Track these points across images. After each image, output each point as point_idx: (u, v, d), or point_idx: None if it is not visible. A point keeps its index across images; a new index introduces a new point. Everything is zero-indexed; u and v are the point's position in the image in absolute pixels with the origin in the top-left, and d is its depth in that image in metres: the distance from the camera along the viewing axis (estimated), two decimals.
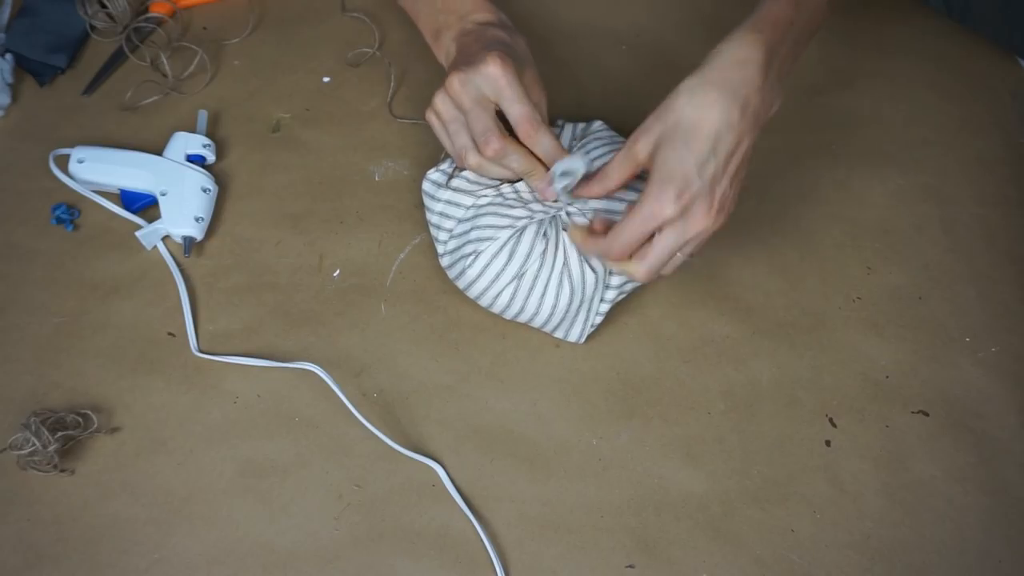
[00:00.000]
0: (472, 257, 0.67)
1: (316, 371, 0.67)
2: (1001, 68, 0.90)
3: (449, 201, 0.70)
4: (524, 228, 0.67)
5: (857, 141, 0.84)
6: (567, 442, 0.67)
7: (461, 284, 0.69)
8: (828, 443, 0.68)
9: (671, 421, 0.68)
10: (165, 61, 0.81)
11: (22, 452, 0.62)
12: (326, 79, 0.84)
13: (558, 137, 0.68)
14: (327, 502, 0.64)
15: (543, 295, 0.67)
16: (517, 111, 0.63)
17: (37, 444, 0.62)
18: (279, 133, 0.81)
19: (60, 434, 0.63)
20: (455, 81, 0.64)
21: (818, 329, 0.73)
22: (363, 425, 0.65)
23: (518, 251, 0.67)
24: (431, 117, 0.67)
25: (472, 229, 0.68)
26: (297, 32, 0.87)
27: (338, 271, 0.74)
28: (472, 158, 0.65)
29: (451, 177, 0.70)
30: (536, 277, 0.67)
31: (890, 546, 0.64)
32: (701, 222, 0.60)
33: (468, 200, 0.69)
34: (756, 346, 0.72)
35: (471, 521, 0.63)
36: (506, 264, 0.67)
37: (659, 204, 0.59)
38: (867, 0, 0.94)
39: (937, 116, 0.86)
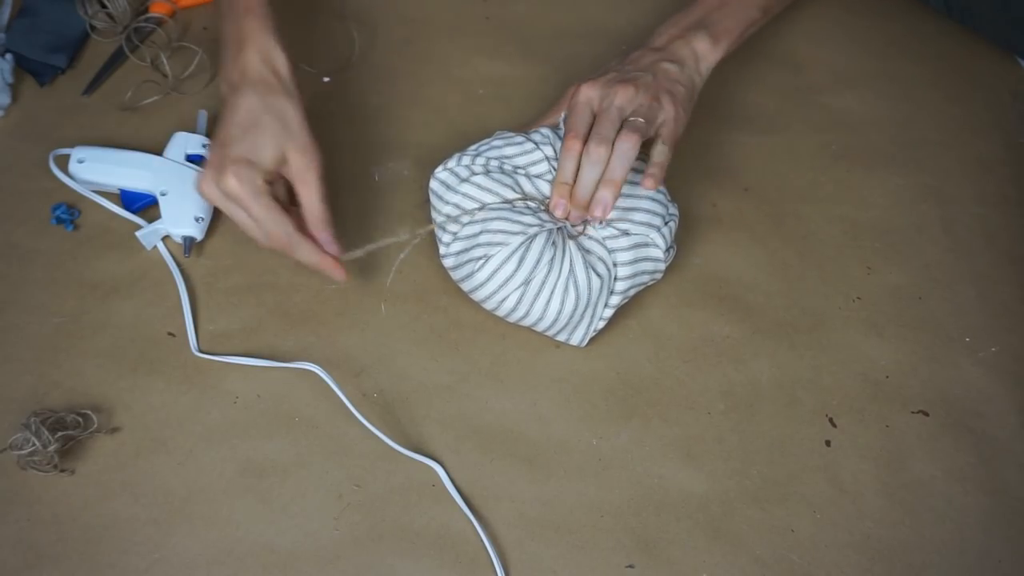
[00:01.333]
0: (482, 261, 0.67)
1: (316, 371, 0.67)
2: (1001, 68, 0.90)
3: (457, 205, 0.69)
4: (535, 236, 0.67)
5: (857, 141, 0.84)
6: (567, 442, 0.67)
7: (467, 286, 0.69)
8: (828, 443, 0.68)
9: (671, 421, 0.68)
10: (165, 61, 0.81)
11: (22, 452, 0.62)
12: (326, 79, 0.84)
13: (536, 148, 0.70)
14: (327, 502, 0.64)
15: (548, 301, 0.67)
16: (267, 226, 0.65)
17: (37, 444, 0.62)
18: None
19: (60, 434, 0.63)
20: (230, 179, 0.64)
21: (818, 329, 0.73)
22: (363, 425, 0.65)
23: (528, 258, 0.66)
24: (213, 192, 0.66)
25: (482, 232, 0.67)
26: (297, 32, 0.87)
27: None
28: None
29: (464, 180, 0.70)
30: (543, 283, 0.67)
31: (890, 546, 0.64)
32: (625, 89, 0.67)
33: (482, 199, 0.69)
34: (756, 346, 0.72)
35: (471, 521, 0.63)
36: (515, 270, 0.66)
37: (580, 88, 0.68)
38: (867, 0, 0.94)
39: (937, 116, 0.86)
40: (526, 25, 0.90)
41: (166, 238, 0.74)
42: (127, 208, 0.74)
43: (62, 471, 0.64)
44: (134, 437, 0.66)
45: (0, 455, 0.64)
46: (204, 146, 0.76)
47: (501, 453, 0.67)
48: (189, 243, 0.73)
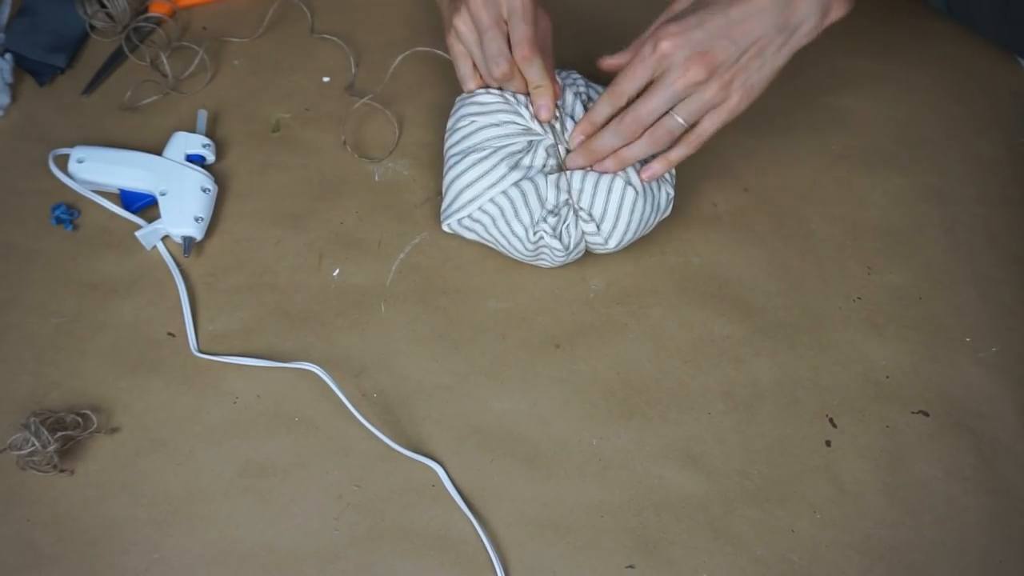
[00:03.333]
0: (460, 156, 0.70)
1: (316, 371, 0.67)
2: (1001, 68, 0.90)
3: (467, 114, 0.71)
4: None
5: (857, 141, 0.84)
6: (567, 442, 0.67)
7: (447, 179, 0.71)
8: (828, 443, 0.68)
9: (671, 421, 0.68)
10: (165, 61, 0.81)
11: (22, 452, 0.62)
12: (326, 79, 0.84)
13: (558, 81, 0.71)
14: (327, 502, 0.64)
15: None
16: (520, 31, 0.66)
17: (37, 444, 0.62)
18: (279, 133, 0.81)
19: (60, 434, 0.63)
20: (478, 1, 0.66)
21: (818, 329, 0.73)
22: (363, 425, 0.65)
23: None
24: (451, 38, 0.70)
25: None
26: (297, 32, 0.87)
27: (338, 271, 0.74)
28: (470, 84, 0.70)
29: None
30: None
31: (890, 546, 0.64)
32: (698, 71, 0.62)
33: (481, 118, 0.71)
34: (756, 346, 0.72)
35: (471, 521, 0.63)
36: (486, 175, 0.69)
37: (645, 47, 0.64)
38: (867, 0, 0.93)
39: (937, 116, 0.86)
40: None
41: (166, 238, 0.74)
42: (127, 208, 0.74)
43: (62, 471, 0.64)
44: (134, 437, 0.66)
45: (0, 455, 0.64)
46: (204, 146, 0.76)
47: (501, 453, 0.66)
48: (189, 243, 0.72)
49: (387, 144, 0.80)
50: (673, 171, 0.71)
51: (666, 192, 0.71)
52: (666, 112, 0.65)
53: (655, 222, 0.71)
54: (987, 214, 0.80)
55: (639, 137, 0.66)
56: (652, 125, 0.66)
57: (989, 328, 0.74)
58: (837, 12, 0.66)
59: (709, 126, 0.66)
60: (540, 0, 0.69)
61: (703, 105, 0.65)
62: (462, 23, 0.68)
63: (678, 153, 0.68)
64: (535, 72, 0.68)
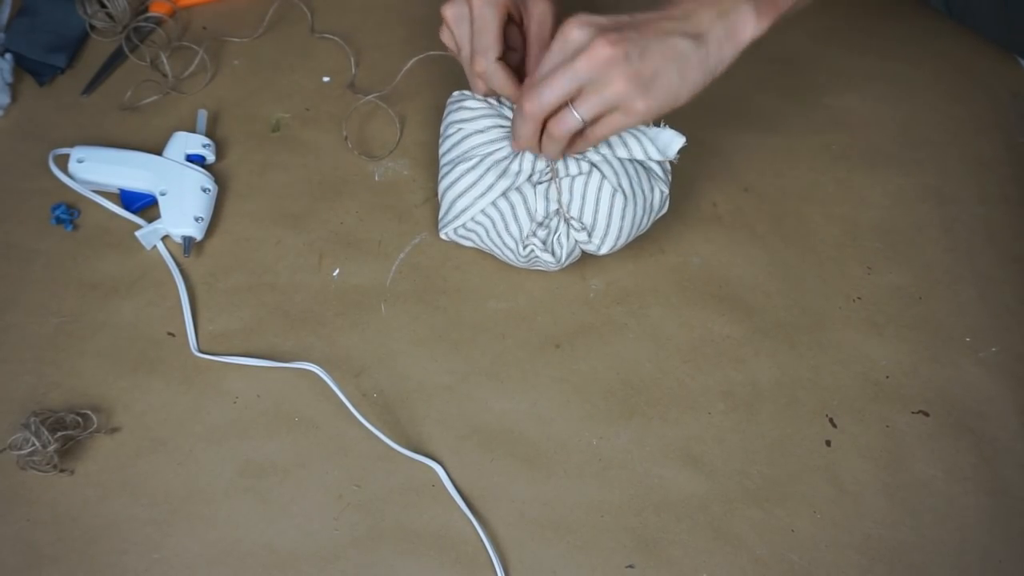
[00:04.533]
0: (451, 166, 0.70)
1: (316, 371, 0.67)
2: (1001, 68, 0.90)
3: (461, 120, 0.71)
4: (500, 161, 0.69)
5: (857, 141, 0.84)
6: (567, 442, 0.67)
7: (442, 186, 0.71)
8: (828, 443, 0.68)
9: (671, 421, 0.68)
10: (165, 61, 0.81)
11: (22, 452, 0.62)
12: (326, 79, 0.84)
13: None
14: (327, 502, 0.64)
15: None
16: (477, 41, 0.65)
17: (37, 444, 0.62)
18: (279, 133, 0.81)
19: (60, 434, 0.63)
20: (448, 10, 0.66)
21: (818, 329, 0.73)
22: (363, 425, 0.65)
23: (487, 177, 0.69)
24: (444, 33, 0.69)
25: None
26: (297, 32, 0.87)
27: (338, 271, 0.74)
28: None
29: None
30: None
31: (890, 546, 0.64)
32: (604, 52, 0.58)
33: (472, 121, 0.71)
34: (756, 346, 0.72)
35: (471, 521, 0.63)
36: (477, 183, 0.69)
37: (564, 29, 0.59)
38: (867, 0, 0.94)
39: (937, 116, 0.86)
40: None
41: (166, 238, 0.74)
42: (127, 208, 0.74)
43: (62, 471, 0.64)
44: (134, 437, 0.66)
45: (0, 455, 0.64)
46: (204, 146, 0.76)
47: (501, 453, 0.67)
48: (189, 243, 0.72)
49: (388, 143, 0.80)
50: (668, 167, 0.71)
51: (659, 191, 0.70)
52: (566, 104, 0.61)
53: (649, 223, 0.71)
54: (987, 214, 0.80)
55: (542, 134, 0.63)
56: (549, 121, 0.62)
57: (989, 328, 0.74)
58: (750, 31, 0.60)
59: (605, 129, 0.61)
60: None
61: (602, 101, 0.59)
62: (444, 30, 0.68)
63: (551, 149, 0.64)
64: (496, 84, 0.66)
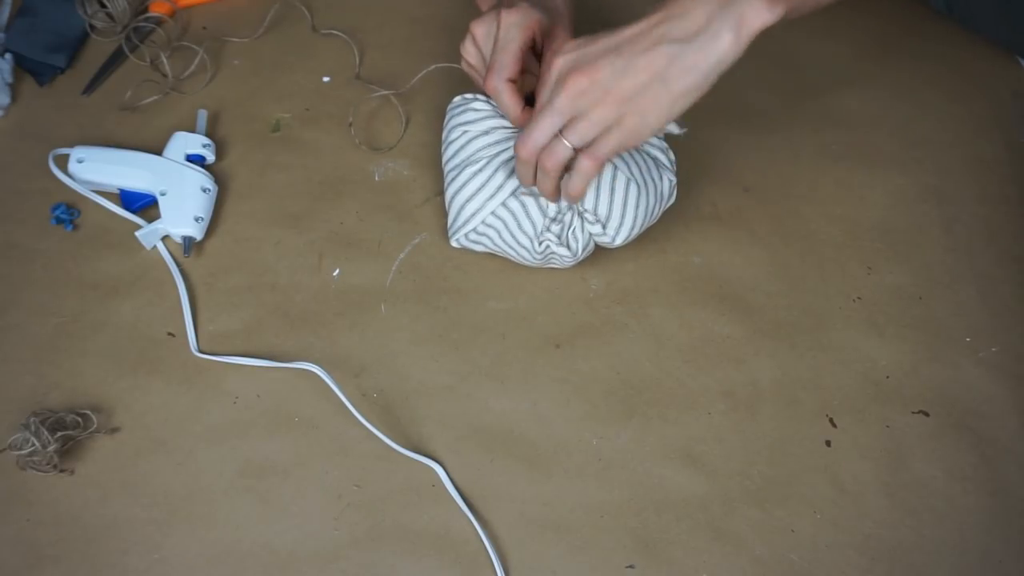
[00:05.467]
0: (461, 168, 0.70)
1: (316, 371, 0.67)
2: (1001, 68, 0.90)
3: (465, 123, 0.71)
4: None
5: (857, 141, 0.84)
6: (567, 442, 0.67)
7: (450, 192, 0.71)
8: (828, 443, 0.68)
9: (671, 421, 0.68)
10: (165, 61, 0.81)
11: (22, 452, 0.62)
12: (326, 79, 0.84)
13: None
14: (327, 502, 0.64)
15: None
16: (494, 60, 0.65)
17: (37, 444, 0.62)
18: (279, 133, 0.81)
19: (60, 434, 0.63)
20: (478, 27, 0.68)
21: (818, 329, 0.73)
22: (363, 425, 0.65)
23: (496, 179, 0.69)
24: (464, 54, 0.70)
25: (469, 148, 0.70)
26: (298, 32, 0.87)
27: (338, 271, 0.74)
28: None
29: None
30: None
31: (890, 546, 0.64)
32: (580, 82, 0.58)
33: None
34: (756, 346, 0.72)
35: (471, 521, 0.63)
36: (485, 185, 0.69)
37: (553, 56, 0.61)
38: (867, 0, 0.94)
39: (937, 116, 0.86)
40: None
41: (166, 238, 0.74)
42: (127, 208, 0.74)
43: (62, 471, 0.64)
44: (134, 437, 0.66)
45: (0, 455, 0.64)
46: (204, 146, 0.76)
47: (501, 453, 0.66)
48: (189, 243, 0.72)
49: (389, 141, 0.80)
50: (672, 157, 0.71)
51: (668, 179, 0.70)
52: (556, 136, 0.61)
53: (660, 212, 0.71)
54: (987, 214, 0.80)
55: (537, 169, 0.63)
56: (544, 151, 0.62)
57: (989, 328, 0.74)
58: (762, 18, 0.57)
59: (606, 147, 0.60)
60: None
61: (591, 126, 0.59)
62: (467, 44, 0.69)
63: (573, 184, 0.63)
64: (501, 104, 0.67)
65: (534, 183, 0.65)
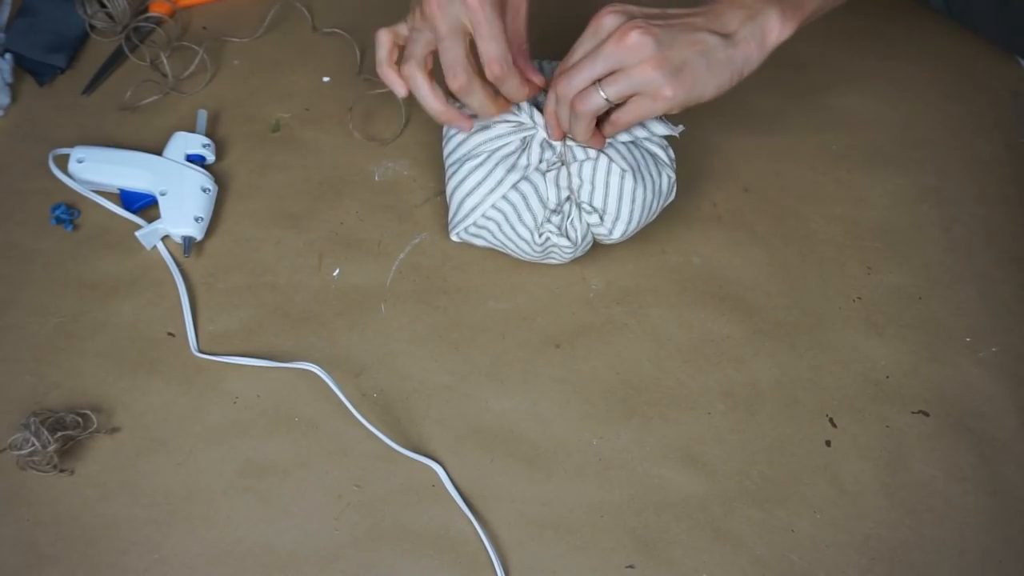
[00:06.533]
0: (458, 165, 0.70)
1: (316, 371, 0.67)
2: (1001, 68, 0.90)
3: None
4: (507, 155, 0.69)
5: (857, 141, 0.84)
6: (567, 442, 0.67)
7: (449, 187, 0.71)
8: (828, 443, 0.68)
9: (671, 421, 0.68)
10: (165, 61, 0.81)
11: (22, 452, 0.62)
12: (326, 79, 0.84)
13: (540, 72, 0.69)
14: (327, 502, 0.64)
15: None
16: (489, 50, 0.62)
17: (37, 444, 0.62)
18: (279, 133, 0.81)
19: (60, 434, 0.63)
20: (434, 4, 0.62)
21: (818, 329, 0.73)
22: (363, 425, 0.65)
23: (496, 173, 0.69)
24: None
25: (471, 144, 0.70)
26: (298, 32, 0.87)
27: (338, 271, 0.74)
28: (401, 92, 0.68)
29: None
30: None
31: (890, 546, 0.64)
32: (636, 39, 0.59)
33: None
34: (756, 346, 0.72)
35: (471, 521, 0.63)
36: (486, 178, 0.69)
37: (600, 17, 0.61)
38: (867, 0, 0.94)
39: (937, 116, 0.86)
40: (532, 23, 0.89)
41: (166, 238, 0.74)
42: (127, 208, 0.74)
43: (62, 471, 0.64)
44: (134, 437, 0.66)
45: (0, 455, 0.64)
46: (204, 146, 0.76)
47: (501, 453, 0.67)
48: (189, 243, 0.72)
49: (389, 140, 0.80)
50: (672, 154, 0.71)
51: (667, 176, 0.70)
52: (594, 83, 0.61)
53: (659, 208, 0.71)
54: (986, 214, 0.80)
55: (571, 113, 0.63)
56: (579, 94, 0.62)
57: (989, 328, 0.74)
58: (775, 34, 0.63)
59: (630, 114, 0.62)
60: None
61: (631, 84, 0.60)
62: (417, 22, 0.65)
63: (609, 127, 0.65)
64: (510, 89, 0.65)
65: (559, 135, 0.66)
